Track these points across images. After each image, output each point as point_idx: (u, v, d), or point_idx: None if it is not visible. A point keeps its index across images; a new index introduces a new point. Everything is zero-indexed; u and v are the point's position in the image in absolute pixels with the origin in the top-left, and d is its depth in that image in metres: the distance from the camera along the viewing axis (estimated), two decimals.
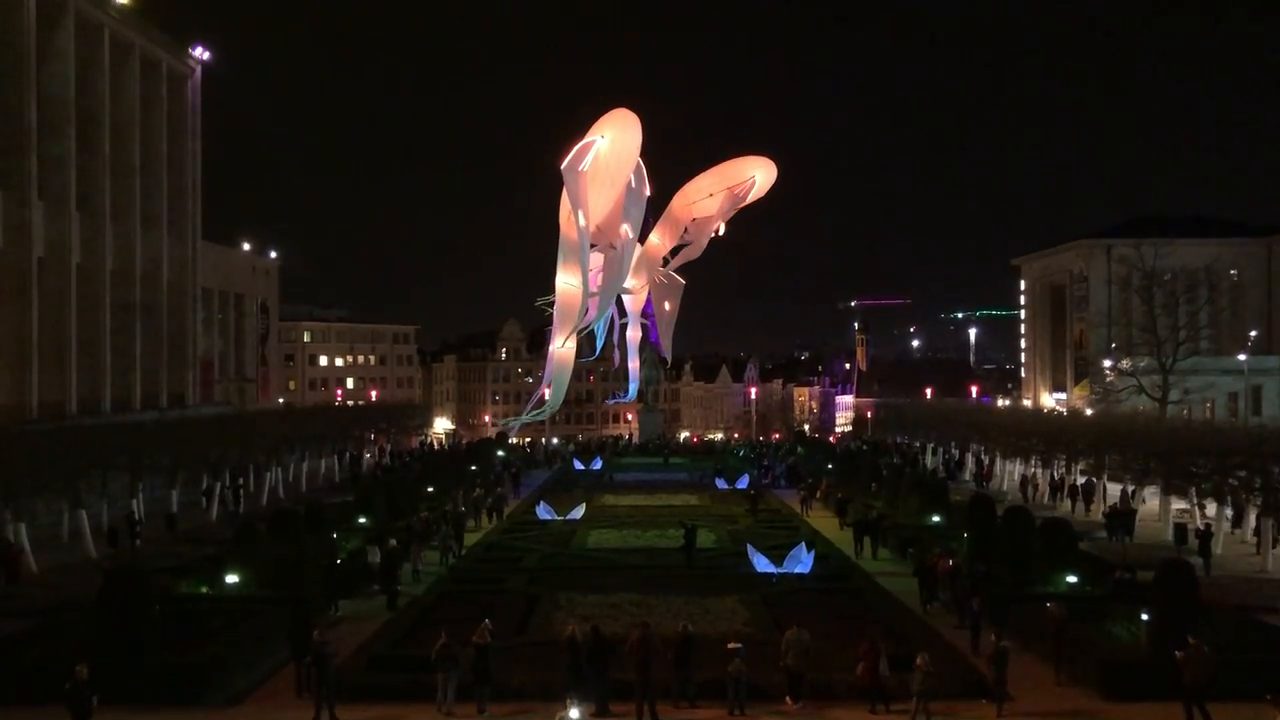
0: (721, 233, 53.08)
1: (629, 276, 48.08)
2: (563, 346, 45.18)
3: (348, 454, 67.46)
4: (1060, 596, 26.69)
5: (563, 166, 40.82)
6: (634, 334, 53.95)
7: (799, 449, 75.41)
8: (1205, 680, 18.77)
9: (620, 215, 45.05)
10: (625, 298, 54.57)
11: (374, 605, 28.54)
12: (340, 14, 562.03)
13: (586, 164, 41.17)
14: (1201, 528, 35.78)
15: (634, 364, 62.28)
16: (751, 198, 50.11)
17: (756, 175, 46.87)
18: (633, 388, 67.41)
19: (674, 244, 48.61)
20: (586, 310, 47.58)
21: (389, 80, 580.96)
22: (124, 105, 67.13)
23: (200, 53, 77.31)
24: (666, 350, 60.39)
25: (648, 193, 47.62)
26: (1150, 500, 44.74)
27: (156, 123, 71.39)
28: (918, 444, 74.59)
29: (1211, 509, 39.03)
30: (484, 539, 39.21)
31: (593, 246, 45.30)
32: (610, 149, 41.16)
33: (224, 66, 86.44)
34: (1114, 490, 46.38)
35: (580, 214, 42.37)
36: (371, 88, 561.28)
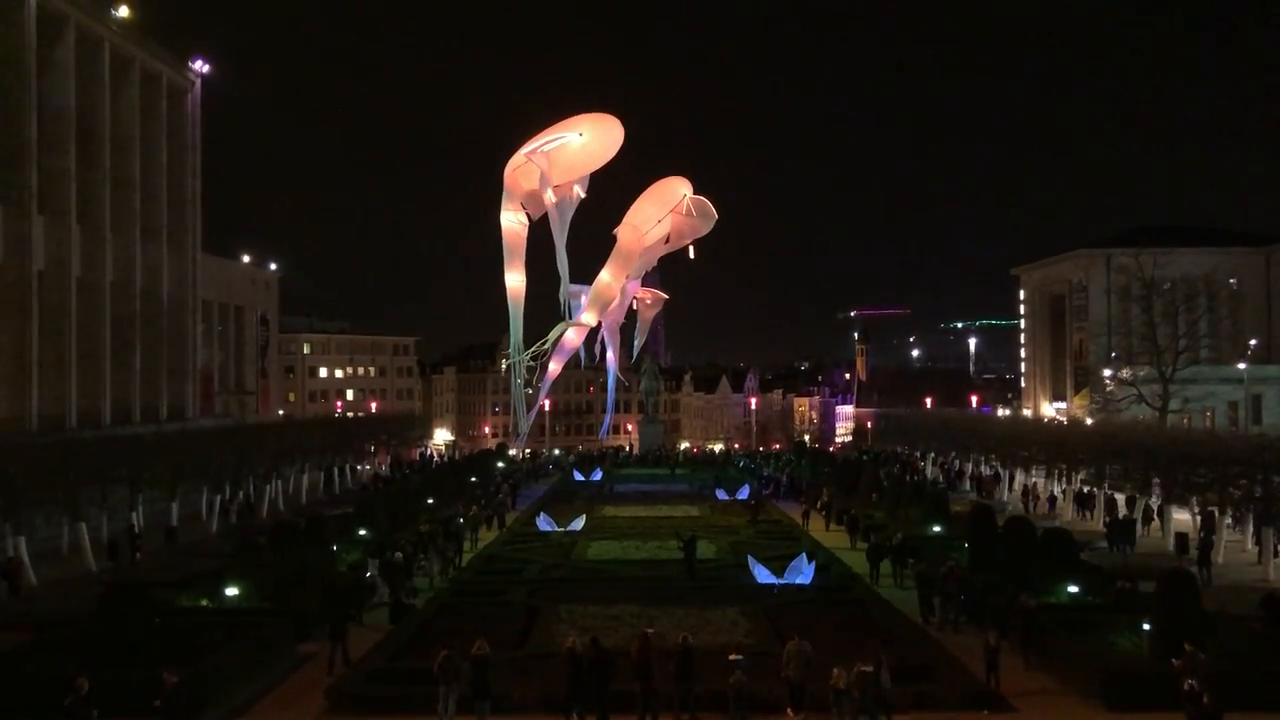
0: (691, 255, 52.23)
1: (587, 312, 46.94)
2: (514, 282, 44.41)
3: (346, 466, 67.20)
4: (1062, 606, 26.73)
5: (527, 149, 39.91)
6: (610, 388, 53.14)
7: (793, 459, 75.47)
8: (1204, 687, 18.74)
9: (569, 188, 44.71)
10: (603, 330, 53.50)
11: (375, 616, 28.48)
12: (340, 27, 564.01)
13: (549, 146, 40.64)
14: (1200, 536, 35.78)
15: (609, 413, 63.07)
16: (704, 229, 48.61)
17: (685, 191, 46.11)
18: (605, 427, 70.18)
19: (625, 278, 47.34)
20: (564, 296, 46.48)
21: (389, 93, 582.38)
22: (124, 118, 67.21)
23: (200, 66, 77.44)
24: (628, 351, 59.70)
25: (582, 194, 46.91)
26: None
27: (156, 136, 71.47)
28: (917, 453, 74.56)
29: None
30: (484, 550, 39.13)
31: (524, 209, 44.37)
32: (582, 148, 40.73)
33: (223, 79, 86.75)
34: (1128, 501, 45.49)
35: (550, 191, 41.70)
36: (372, 101, 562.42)
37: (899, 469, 65.12)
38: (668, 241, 49.00)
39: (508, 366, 53.93)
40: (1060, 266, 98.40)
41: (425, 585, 32.75)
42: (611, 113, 43.92)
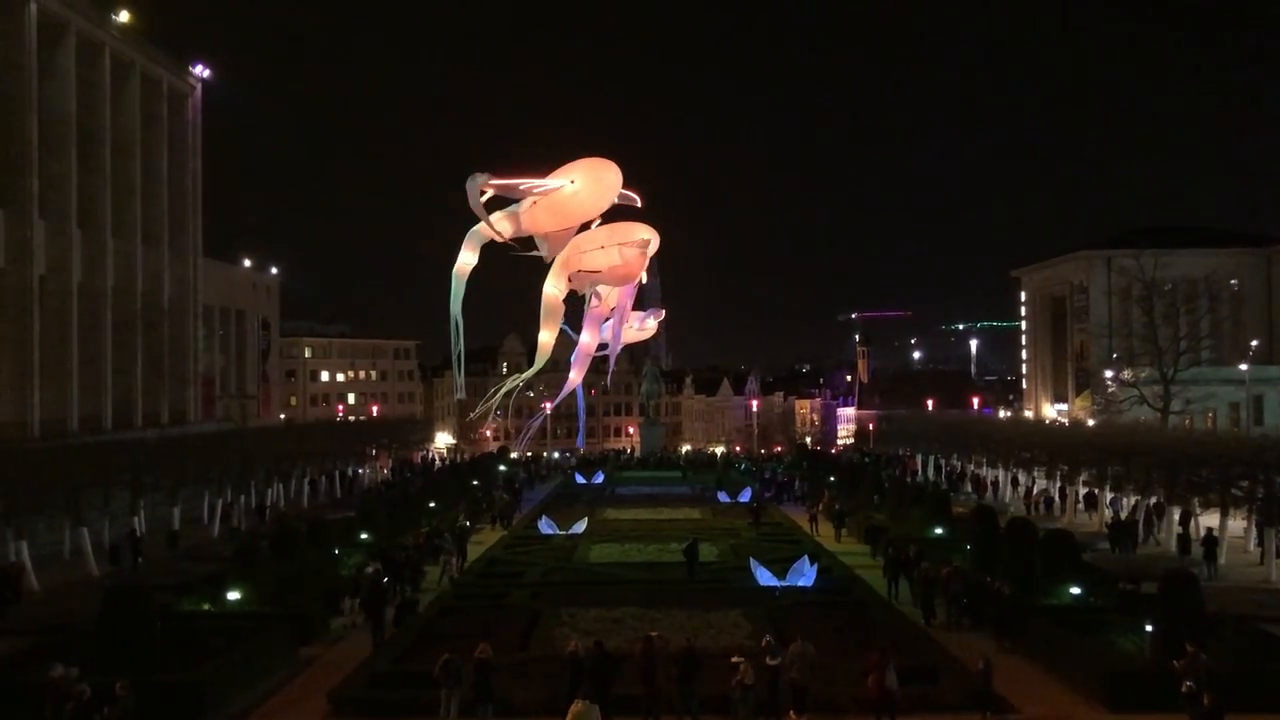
0: (644, 280, 50.09)
1: (544, 330, 44.75)
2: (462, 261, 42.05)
3: (348, 470, 67.17)
4: (1064, 608, 26.73)
5: (492, 183, 37.25)
6: (576, 377, 50.53)
7: (795, 462, 75.45)
8: (1204, 688, 18.73)
9: (564, 240, 42.23)
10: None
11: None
12: (341, 32, 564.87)
13: (538, 191, 38.00)
14: (1204, 533, 35.90)
15: (582, 421, 61.99)
16: (641, 269, 46.24)
17: (643, 235, 43.92)
18: (581, 436, 68.85)
19: (567, 290, 45.28)
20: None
21: (390, 97, 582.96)
22: (125, 123, 67.32)
23: (200, 70, 77.58)
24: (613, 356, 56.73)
25: (638, 202, 44.24)
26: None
27: (157, 140, 71.59)
28: (917, 455, 74.51)
29: (1213, 518, 38.91)
30: (486, 554, 39.10)
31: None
32: (573, 196, 38.48)
33: (224, 84, 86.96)
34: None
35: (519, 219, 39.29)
36: (373, 105, 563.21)
37: (899, 471, 65.14)
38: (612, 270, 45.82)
39: (481, 412, 53.41)
40: (1061, 268, 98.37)
41: (429, 591, 32.78)
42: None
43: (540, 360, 44.47)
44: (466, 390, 55.33)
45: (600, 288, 45.29)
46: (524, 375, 45.96)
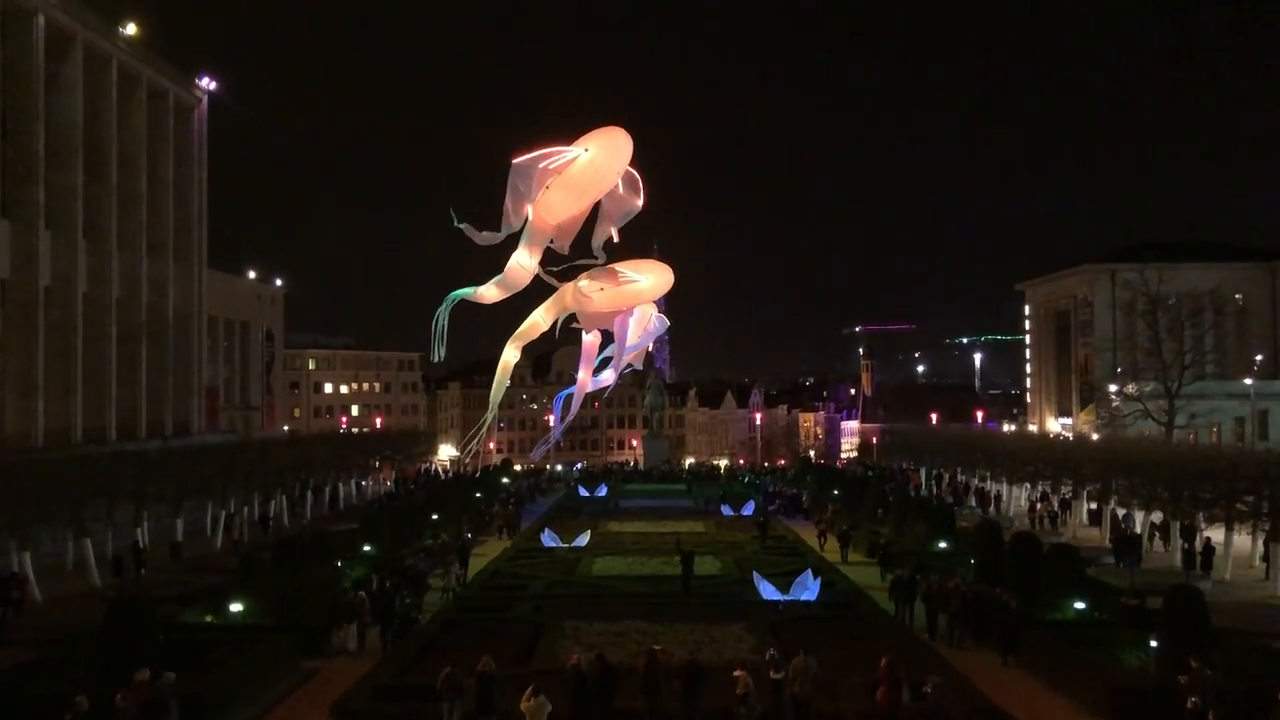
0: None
1: (510, 348, 43.93)
2: (484, 290, 41.38)
3: (351, 482, 67.19)
4: (1068, 623, 26.64)
5: (517, 161, 36.79)
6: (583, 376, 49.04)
7: (799, 475, 75.30)
8: (1209, 704, 18.66)
9: (579, 222, 41.56)
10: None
11: (377, 634, 28.37)
12: (347, 44, 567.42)
13: (552, 163, 37.51)
14: (1204, 543, 35.91)
15: (558, 409, 60.93)
16: (647, 296, 45.39)
17: (645, 278, 43.13)
18: (556, 434, 67.84)
19: (552, 322, 44.18)
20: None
21: (395, 110, 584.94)
22: (131, 135, 67.53)
23: (206, 82, 77.87)
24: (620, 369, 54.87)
25: (639, 203, 42.84)
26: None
27: (163, 152, 71.81)
28: (920, 469, 74.40)
29: (1217, 533, 38.80)
30: (489, 566, 39.04)
31: (552, 242, 41.36)
32: (587, 163, 38.11)
33: (230, 96, 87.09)
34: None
35: (522, 204, 38.21)
36: (378, 118, 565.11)
37: (901, 484, 65.05)
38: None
39: (469, 447, 53.61)
40: (1065, 282, 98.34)
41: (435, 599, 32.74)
42: (617, 124, 41.05)
43: (501, 381, 43.83)
44: (468, 403, 55.40)
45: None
46: (489, 412, 45.55)
